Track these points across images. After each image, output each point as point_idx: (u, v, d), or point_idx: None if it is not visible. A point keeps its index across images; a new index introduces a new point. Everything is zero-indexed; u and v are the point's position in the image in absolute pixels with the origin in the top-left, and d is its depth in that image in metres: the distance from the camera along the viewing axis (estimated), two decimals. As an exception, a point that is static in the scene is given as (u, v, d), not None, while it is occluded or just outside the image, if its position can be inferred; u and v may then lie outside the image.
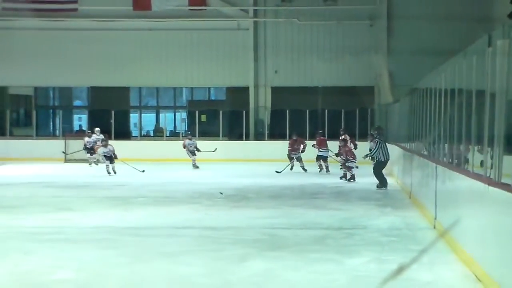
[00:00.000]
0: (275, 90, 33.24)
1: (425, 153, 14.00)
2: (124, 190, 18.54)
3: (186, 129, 34.76)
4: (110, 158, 22.86)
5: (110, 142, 23.78)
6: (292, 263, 8.92)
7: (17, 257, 9.28)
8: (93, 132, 27.09)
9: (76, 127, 36.79)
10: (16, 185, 19.73)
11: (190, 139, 26.53)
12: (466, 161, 9.26)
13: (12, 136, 32.62)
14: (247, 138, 31.78)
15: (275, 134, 30.64)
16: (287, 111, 31.22)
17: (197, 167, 25.79)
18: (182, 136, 30.56)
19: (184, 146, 26.27)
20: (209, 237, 10.98)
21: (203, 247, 10.03)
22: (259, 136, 32.09)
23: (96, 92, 35.10)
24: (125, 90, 35.09)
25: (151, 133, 36.56)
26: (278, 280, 8.07)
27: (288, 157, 24.85)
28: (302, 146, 24.79)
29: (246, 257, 9.30)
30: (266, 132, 32.04)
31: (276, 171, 23.39)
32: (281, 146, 26.14)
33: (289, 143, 25.25)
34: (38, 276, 8.20)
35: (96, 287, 7.75)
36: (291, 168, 24.49)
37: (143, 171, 22.79)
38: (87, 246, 10.09)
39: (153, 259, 9.15)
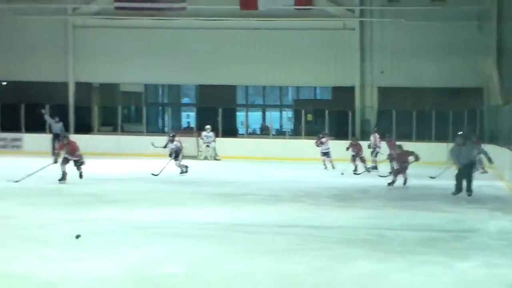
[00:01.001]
0: (382, 90, 32.95)
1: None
2: (232, 188, 18.79)
3: (293, 128, 34.88)
4: (177, 154, 22.39)
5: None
6: (399, 265, 8.87)
7: (128, 251, 9.51)
8: (203, 130, 27.90)
9: (184, 124, 37.41)
10: (127, 180, 20.26)
11: (323, 138, 25.75)
12: None
13: (124, 132, 33.44)
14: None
15: (382, 134, 30.37)
16: (393, 111, 30.94)
17: (333, 167, 24.91)
18: (289, 135, 30.65)
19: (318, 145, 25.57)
20: (314, 236, 11.03)
21: (309, 246, 10.08)
22: (365, 136, 31.88)
23: (204, 90, 35.64)
24: (232, 89, 35.51)
25: (257, 131, 36.82)
26: (385, 282, 8.04)
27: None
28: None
29: (352, 257, 9.31)
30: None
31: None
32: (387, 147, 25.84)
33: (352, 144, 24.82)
34: (148, 269, 8.38)
35: (206, 282, 7.87)
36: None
37: (157, 175, 21.49)
38: (197, 241, 10.27)
39: (260, 256, 9.26)
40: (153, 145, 23.49)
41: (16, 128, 32.23)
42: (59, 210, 13.54)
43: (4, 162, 25.20)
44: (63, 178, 18.39)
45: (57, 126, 30.36)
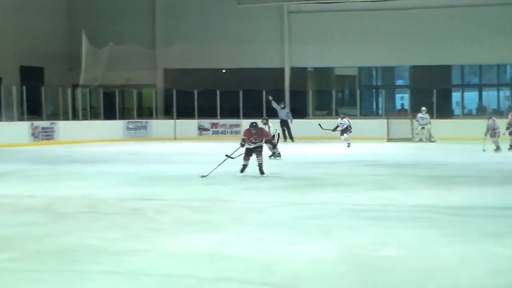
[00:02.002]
0: None
1: None
2: (446, 169, 18.59)
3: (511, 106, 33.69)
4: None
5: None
6: None
7: (343, 233, 9.64)
8: (418, 111, 27.71)
9: (398, 107, 37.20)
10: (341, 163, 20.47)
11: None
12: None
13: (337, 115, 33.77)
14: None
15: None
16: None
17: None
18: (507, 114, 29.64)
19: None
20: (531, 219, 10.75)
21: (526, 229, 9.84)
22: None
23: (417, 71, 35.24)
24: (446, 68, 34.86)
25: (474, 112, 35.91)
26: None
27: None
28: None
29: None
30: None
31: None
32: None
33: None
34: (363, 251, 8.47)
35: (422, 266, 7.77)
36: None
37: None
38: (409, 224, 10.26)
39: (475, 240, 9.11)
40: (320, 126, 23.83)
41: (234, 114, 33.46)
42: (274, 194, 13.94)
43: (224, 147, 26.18)
44: (243, 170, 16.88)
45: (283, 112, 31.20)
